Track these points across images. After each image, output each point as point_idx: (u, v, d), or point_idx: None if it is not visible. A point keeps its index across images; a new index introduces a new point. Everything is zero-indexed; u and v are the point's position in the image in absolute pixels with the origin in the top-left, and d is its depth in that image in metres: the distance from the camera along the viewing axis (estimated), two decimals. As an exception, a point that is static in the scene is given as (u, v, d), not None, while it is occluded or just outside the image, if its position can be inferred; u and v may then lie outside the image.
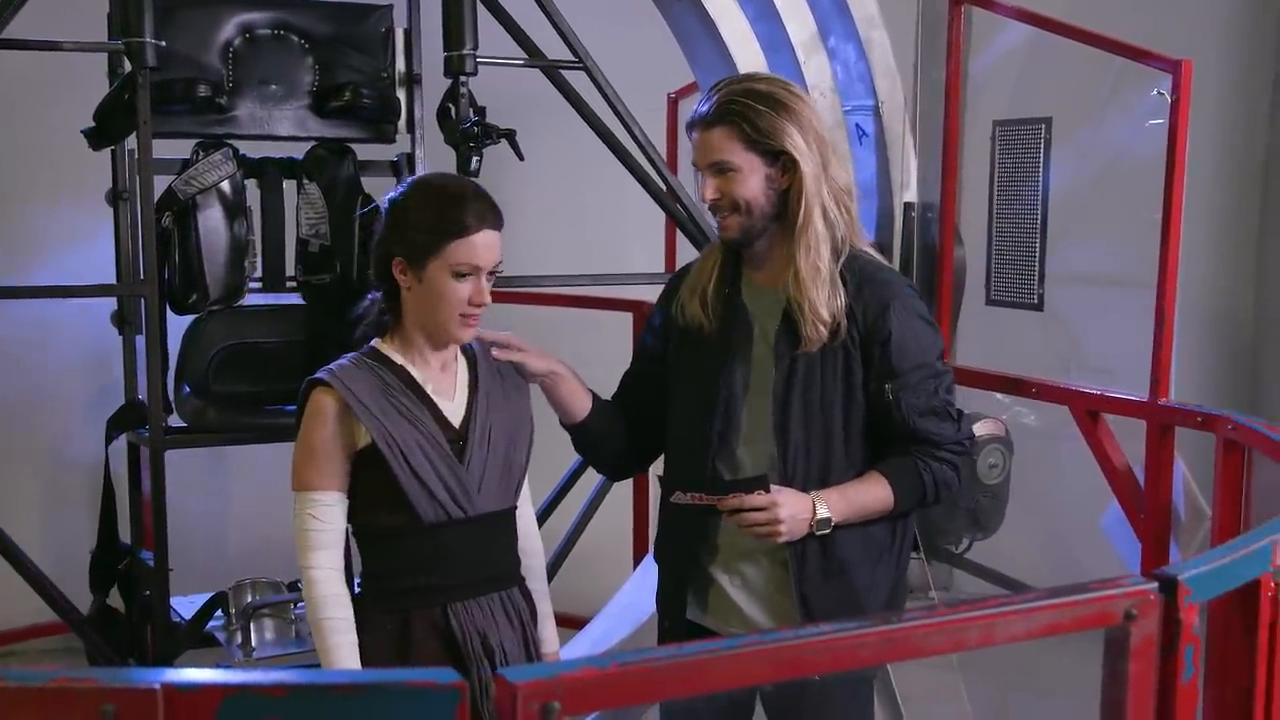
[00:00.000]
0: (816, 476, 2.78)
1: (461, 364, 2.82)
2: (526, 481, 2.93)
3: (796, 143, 2.72)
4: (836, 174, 2.80)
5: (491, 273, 2.70)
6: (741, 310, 2.87)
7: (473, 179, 2.92)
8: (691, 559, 2.91)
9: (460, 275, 2.65)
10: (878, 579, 2.85)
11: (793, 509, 2.67)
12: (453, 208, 2.65)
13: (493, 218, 2.68)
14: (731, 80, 2.84)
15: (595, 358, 3.70)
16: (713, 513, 2.77)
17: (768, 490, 2.66)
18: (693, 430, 2.87)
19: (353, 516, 2.73)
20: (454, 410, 2.76)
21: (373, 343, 2.78)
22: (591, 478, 4.78)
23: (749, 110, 2.73)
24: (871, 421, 2.81)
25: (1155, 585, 1.70)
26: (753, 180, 2.75)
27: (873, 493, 2.78)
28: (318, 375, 2.70)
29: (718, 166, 2.75)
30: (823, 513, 2.71)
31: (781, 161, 2.75)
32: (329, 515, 2.69)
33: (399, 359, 2.74)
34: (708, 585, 2.91)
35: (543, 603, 2.96)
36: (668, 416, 2.97)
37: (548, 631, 2.96)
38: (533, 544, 2.97)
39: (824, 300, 2.73)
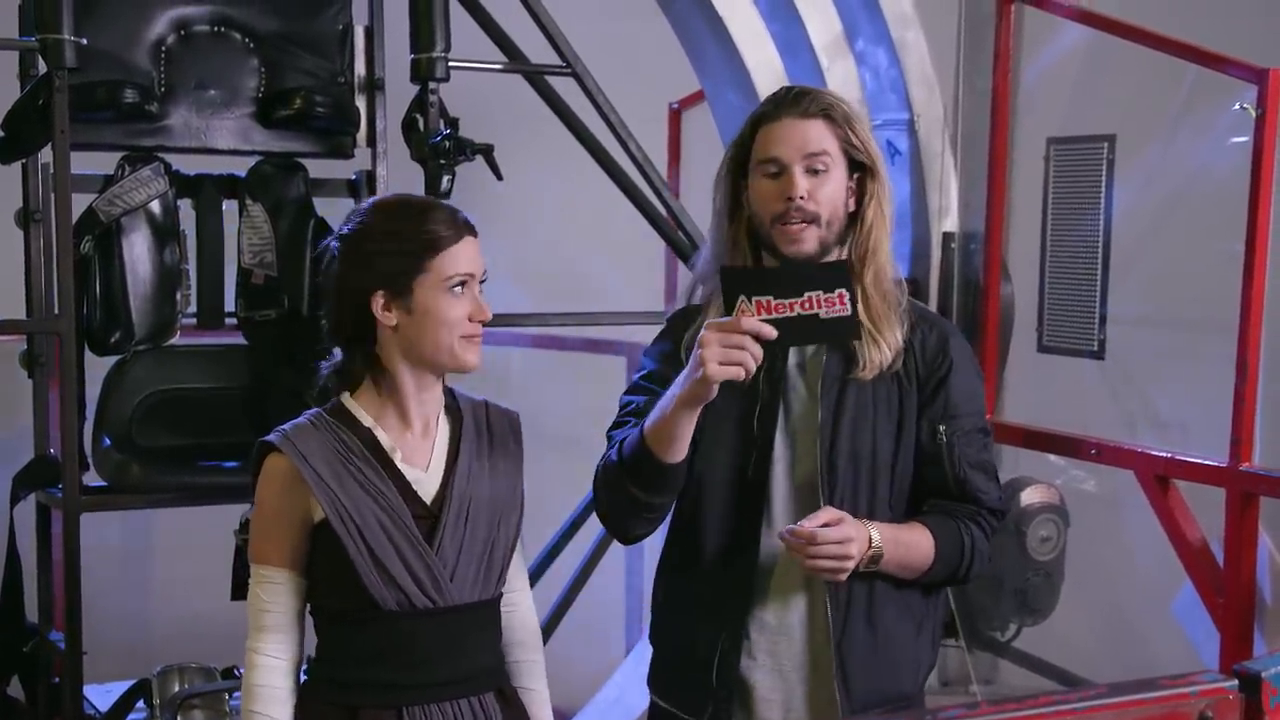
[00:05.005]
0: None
1: (443, 426, 2.80)
2: (521, 560, 2.91)
3: (879, 156, 2.83)
4: None
5: (481, 282, 2.72)
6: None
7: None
8: (710, 643, 2.85)
9: (455, 289, 2.66)
10: (919, 656, 2.87)
11: (860, 543, 2.66)
12: (424, 219, 2.67)
13: (468, 225, 2.71)
14: (806, 87, 2.91)
15: (580, 408, 3.69)
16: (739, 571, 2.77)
17: (850, 286, 2.60)
18: (723, 479, 2.85)
19: (309, 594, 2.73)
20: (426, 482, 2.73)
21: (340, 398, 2.76)
22: (575, 548, 4.76)
23: (849, 114, 2.81)
24: (914, 472, 2.84)
25: (1235, 683, 1.70)
26: (836, 187, 2.80)
27: (917, 541, 2.78)
28: (269, 437, 2.69)
29: (815, 162, 2.78)
30: (877, 543, 2.70)
31: (856, 177, 2.82)
32: (275, 596, 2.68)
33: (366, 419, 2.72)
34: (729, 675, 2.85)
35: (542, 710, 2.92)
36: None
37: None
38: (530, 638, 2.94)
39: (894, 325, 2.79)
